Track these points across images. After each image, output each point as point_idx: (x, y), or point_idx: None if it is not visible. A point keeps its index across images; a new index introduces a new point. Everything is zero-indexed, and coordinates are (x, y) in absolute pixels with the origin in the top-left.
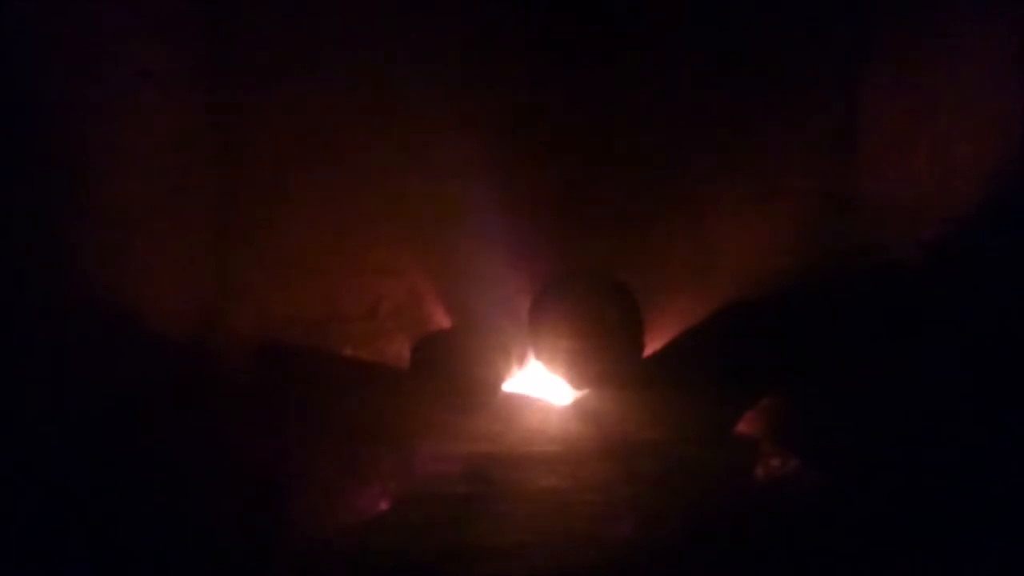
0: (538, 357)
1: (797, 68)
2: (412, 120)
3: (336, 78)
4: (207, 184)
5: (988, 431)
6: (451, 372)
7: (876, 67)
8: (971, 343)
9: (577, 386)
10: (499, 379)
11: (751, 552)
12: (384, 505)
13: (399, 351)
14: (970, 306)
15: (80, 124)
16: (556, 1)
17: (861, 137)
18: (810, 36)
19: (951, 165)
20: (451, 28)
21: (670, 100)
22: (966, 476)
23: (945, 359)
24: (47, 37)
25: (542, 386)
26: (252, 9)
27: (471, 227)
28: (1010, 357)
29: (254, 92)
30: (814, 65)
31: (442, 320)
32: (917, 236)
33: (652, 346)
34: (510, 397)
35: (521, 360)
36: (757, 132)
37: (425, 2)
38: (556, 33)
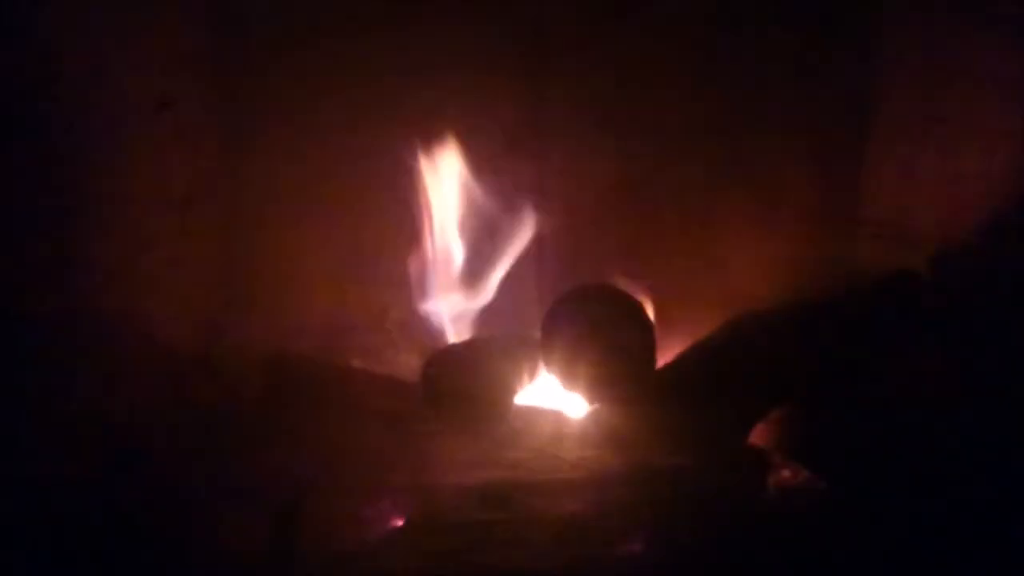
0: (550, 370)
1: (803, 83)
2: (419, 127)
3: (343, 88)
4: (213, 197)
5: (999, 443)
6: (462, 384)
7: (882, 82)
8: (980, 356)
9: (588, 399)
10: (510, 392)
11: (762, 564)
12: (398, 522)
13: (407, 361)
14: (978, 319)
15: (88, 140)
16: (562, 8)
17: (867, 151)
18: (816, 52)
19: (958, 179)
20: (459, 35)
21: (677, 115)
22: (978, 487)
23: (954, 371)
24: (56, 53)
25: (553, 399)
26: (257, 20)
27: (479, 237)
28: (1019, 369)
29: (260, 105)
30: (820, 80)
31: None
32: (924, 249)
33: (661, 359)
34: (521, 410)
35: (532, 372)
36: (764, 146)
37: (433, 9)
38: (562, 41)
